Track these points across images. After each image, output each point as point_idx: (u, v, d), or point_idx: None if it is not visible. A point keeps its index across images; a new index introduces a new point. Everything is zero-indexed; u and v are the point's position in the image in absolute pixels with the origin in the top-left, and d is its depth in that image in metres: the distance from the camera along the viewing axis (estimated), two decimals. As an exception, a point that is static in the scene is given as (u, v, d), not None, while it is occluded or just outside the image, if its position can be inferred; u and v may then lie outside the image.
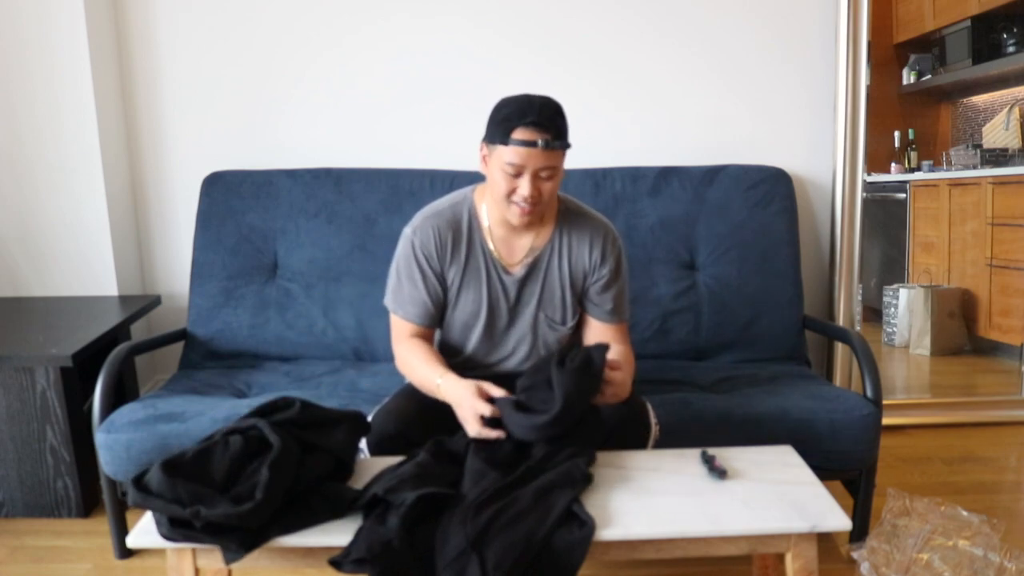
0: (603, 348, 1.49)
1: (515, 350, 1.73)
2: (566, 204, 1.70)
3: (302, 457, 1.38)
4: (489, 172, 1.57)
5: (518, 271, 1.67)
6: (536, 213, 1.58)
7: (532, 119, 1.48)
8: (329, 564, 1.26)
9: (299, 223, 2.33)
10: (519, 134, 1.49)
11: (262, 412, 1.47)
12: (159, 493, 1.26)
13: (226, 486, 1.29)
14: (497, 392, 1.49)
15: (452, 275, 1.67)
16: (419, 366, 1.62)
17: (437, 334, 1.77)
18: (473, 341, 1.71)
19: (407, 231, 1.68)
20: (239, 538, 1.25)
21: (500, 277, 1.67)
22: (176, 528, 1.26)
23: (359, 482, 1.42)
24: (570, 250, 1.68)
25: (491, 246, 1.66)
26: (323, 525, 1.31)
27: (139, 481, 1.29)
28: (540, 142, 1.48)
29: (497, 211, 1.62)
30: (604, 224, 1.71)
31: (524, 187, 1.52)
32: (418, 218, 1.68)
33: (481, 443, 1.46)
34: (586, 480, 1.40)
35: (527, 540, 1.25)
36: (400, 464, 1.43)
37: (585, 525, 1.28)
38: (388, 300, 1.72)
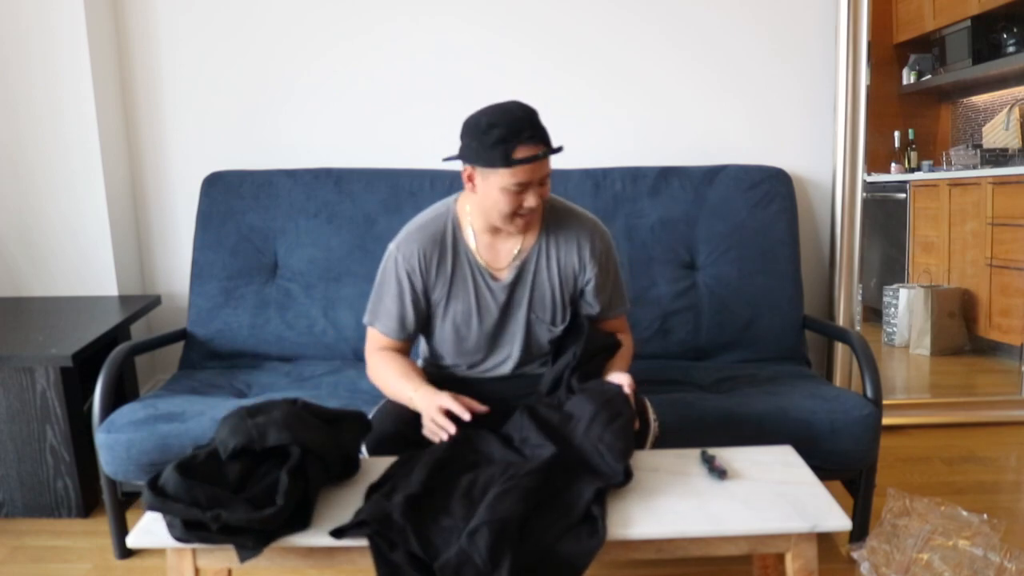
0: (615, 387, 1.54)
1: (510, 353, 1.72)
2: (551, 203, 1.70)
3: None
4: (484, 194, 1.54)
5: (506, 276, 1.67)
6: (538, 218, 1.61)
7: (528, 134, 1.48)
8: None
9: (299, 223, 2.33)
10: (522, 152, 1.47)
11: (263, 412, 1.47)
12: (176, 496, 1.26)
13: (238, 487, 1.30)
14: (479, 408, 1.54)
15: (438, 289, 1.66)
16: (392, 379, 1.64)
17: (423, 345, 1.79)
18: (465, 348, 1.71)
19: (391, 247, 1.68)
20: (254, 538, 1.26)
21: (488, 284, 1.66)
22: (191, 530, 1.25)
23: (363, 480, 1.42)
24: (558, 250, 1.67)
25: (476, 255, 1.66)
26: (323, 526, 1.31)
27: (154, 484, 1.28)
28: (540, 153, 1.49)
29: (485, 221, 1.61)
30: (590, 220, 1.71)
31: (531, 199, 1.53)
32: (402, 234, 1.68)
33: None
34: (615, 476, 1.40)
35: (537, 539, 1.26)
36: (411, 457, 1.44)
37: (596, 535, 1.28)
38: (366, 316, 1.72)
